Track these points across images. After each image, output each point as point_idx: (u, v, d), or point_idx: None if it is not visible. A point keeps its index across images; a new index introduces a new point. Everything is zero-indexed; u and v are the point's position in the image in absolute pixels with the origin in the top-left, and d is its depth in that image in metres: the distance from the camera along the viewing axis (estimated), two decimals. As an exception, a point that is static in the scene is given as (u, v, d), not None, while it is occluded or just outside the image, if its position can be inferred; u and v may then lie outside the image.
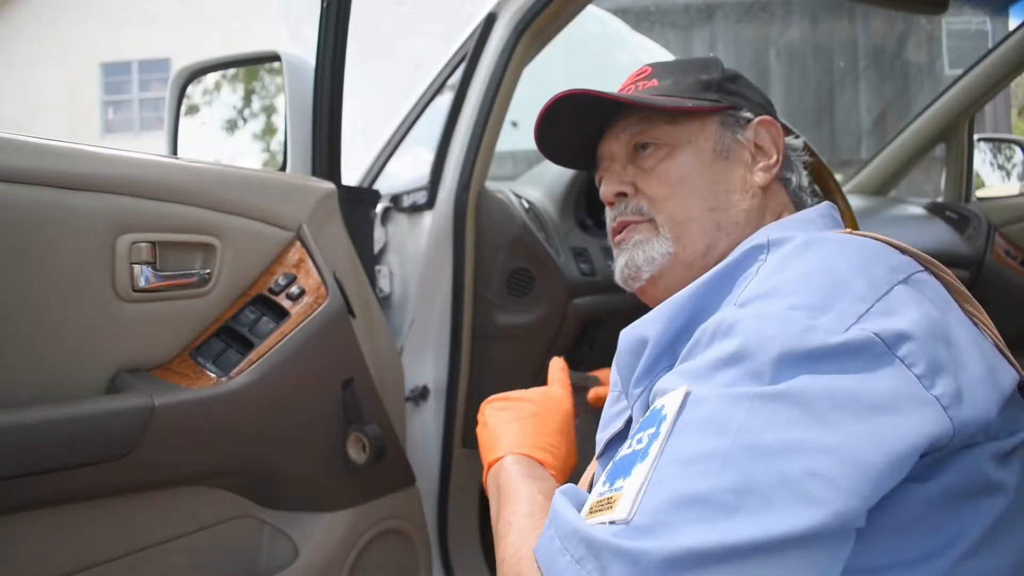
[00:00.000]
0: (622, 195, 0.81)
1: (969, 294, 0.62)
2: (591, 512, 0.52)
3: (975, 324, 0.60)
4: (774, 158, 0.79)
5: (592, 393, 1.02)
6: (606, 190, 0.83)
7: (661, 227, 0.78)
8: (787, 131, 0.84)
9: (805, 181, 0.83)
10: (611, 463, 0.56)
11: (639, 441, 0.54)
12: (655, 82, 0.82)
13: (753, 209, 0.77)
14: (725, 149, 0.79)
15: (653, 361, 0.63)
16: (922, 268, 0.60)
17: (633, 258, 0.79)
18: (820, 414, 0.48)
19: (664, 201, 0.78)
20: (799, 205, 0.81)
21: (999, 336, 0.61)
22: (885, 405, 0.48)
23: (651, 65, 0.85)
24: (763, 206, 0.78)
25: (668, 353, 0.63)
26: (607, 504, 0.51)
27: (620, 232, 0.82)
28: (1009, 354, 0.60)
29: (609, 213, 0.84)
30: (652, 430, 0.53)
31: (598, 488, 0.54)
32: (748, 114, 0.81)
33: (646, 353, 0.63)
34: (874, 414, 0.48)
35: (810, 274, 0.57)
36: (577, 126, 0.85)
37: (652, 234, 0.78)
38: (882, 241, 0.62)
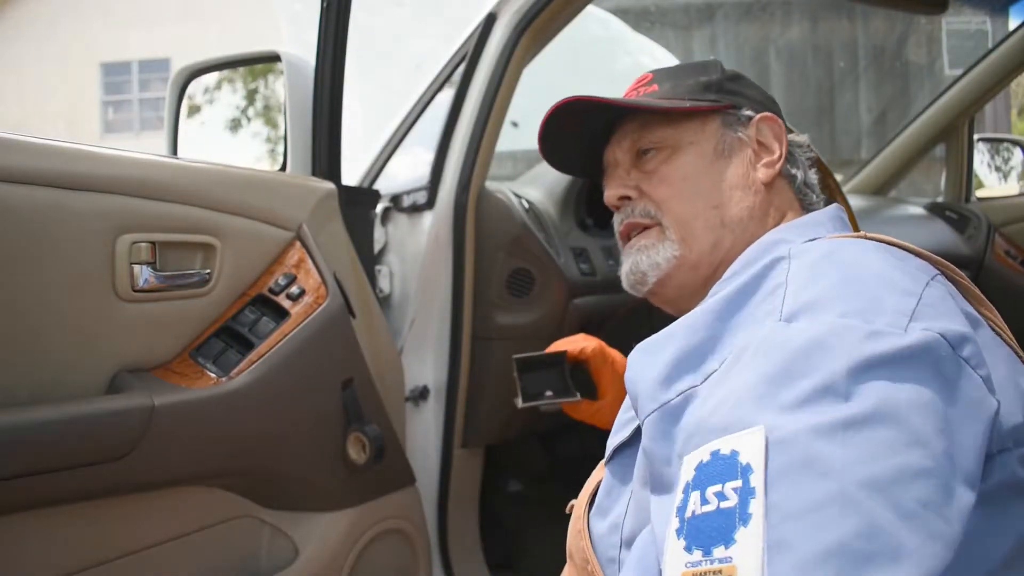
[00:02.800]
0: (626, 199, 0.82)
1: (983, 297, 0.61)
2: None
3: (990, 327, 0.60)
4: (777, 154, 0.80)
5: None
6: (609, 194, 0.83)
7: (667, 229, 0.78)
8: (789, 131, 0.85)
9: (813, 178, 0.82)
10: (684, 524, 0.50)
11: (721, 496, 0.48)
12: (655, 87, 0.83)
13: (756, 206, 0.77)
14: (727, 147, 0.79)
15: (671, 376, 0.60)
16: (938, 271, 0.60)
17: (638, 263, 0.79)
18: (914, 432, 0.46)
19: (669, 202, 0.78)
20: (804, 202, 0.81)
21: (1013, 338, 0.60)
22: (963, 416, 0.48)
23: (652, 71, 0.86)
24: (767, 202, 0.78)
25: (691, 371, 0.59)
26: None
27: (627, 236, 0.82)
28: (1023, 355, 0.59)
29: (616, 217, 0.85)
30: (736, 483, 0.48)
31: (678, 554, 0.48)
32: (749, 112, 0.81)
33: (664, 365, 0.60)
34: (959, 426, 0.47)
35: (848, 280, 0.56)
36: (581, 135, 0.85)
37: (658, 239, 0.78)
38: (896, 244, 0.62)
